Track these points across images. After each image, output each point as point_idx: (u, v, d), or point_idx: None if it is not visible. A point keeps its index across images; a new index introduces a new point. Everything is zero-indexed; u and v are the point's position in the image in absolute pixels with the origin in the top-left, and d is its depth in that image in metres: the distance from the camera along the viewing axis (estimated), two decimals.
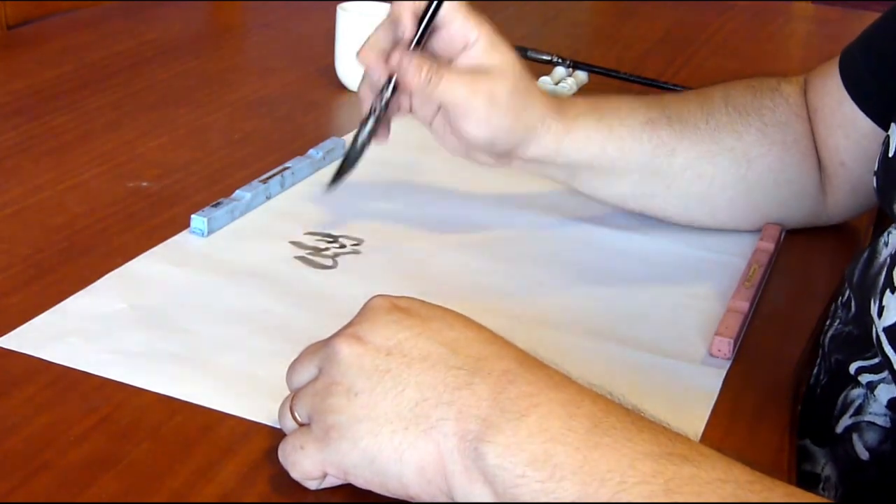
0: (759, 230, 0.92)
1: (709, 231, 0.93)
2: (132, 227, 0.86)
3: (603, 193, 0.92)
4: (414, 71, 0.80)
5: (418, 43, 0.82)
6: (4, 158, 0.97)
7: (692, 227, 0.93)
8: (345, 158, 0.86)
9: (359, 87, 0.86)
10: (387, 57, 0.82)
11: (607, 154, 0.88)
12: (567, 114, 0.87)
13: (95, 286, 0.77)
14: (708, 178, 0.90)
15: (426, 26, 0.82)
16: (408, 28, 0.82)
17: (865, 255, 0.74)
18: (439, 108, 0.84)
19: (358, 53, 0.84)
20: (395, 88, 0.83)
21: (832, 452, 0.72)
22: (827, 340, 0.75)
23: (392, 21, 0.83)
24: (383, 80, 0.83)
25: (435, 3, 0.82)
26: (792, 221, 0.94)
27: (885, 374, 0.69)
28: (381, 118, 0.84)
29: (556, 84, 1.23)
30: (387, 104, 0.83)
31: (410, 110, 0.85)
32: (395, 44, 0.83)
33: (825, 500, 0.50)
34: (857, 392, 0.71)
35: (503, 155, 0.86)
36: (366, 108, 0.84)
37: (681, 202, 0.91)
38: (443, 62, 0.83)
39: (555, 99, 0.88)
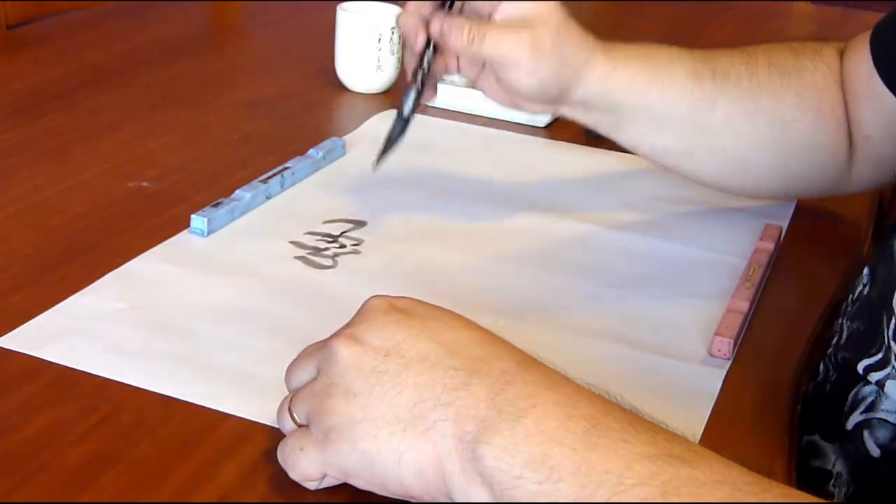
0: (771, 206, 0.94)
1: (709, 231, 0.93)
2: (132, 227, 0.86)
3: (644, 144, 0.92)
4: (456, 33, 0.82)
5: (452, 2, 0.83)
6: (4, 158, 0.97)
7: (720, 190, 0.95)
8: (392, 130, 0.86)
9: (402, 58, 0.87)
10: (426, 22, 0.84)
11: (650, 98, 0.89)
12: (614, 54, 0.88)
13: (95, 286, 0.77)
14: (743, 139, 0.91)
15: None
16: None
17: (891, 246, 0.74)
18: (484, 64, 0.85)
19: (398, 19, 0.85)
20: (436, 50, 0.84)
21: (843, 449, 0.72)
22: (842, 341, 0.75)
23: None
24: (422, 42, 0.84)
25: None
26: (816, 190, 0.95)
27: (889, 369, 0.69)
28: (426, 81, 0.84)
29: None
30: (429, 66, 0.84)
31: (454, 71, 0.87)
32: (433, 7, 0.84)
33: (823, 501, 0.50)
34: (868, 389, 0.71)
35: (552, 101, 0.88)
36: (410, 75, 0.85)
37: (716, 161, 0.92)
38: (482, 18, 0.84)
39: (601, 42, 0.89)
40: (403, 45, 0.87)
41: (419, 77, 0.84)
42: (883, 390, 0.70)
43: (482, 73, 0.86)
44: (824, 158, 0.92)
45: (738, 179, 0.93)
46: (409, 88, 0.85)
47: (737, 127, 0.90)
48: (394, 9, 1.19)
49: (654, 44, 0.92)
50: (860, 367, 0.71)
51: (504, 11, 0.84)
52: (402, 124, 0.85)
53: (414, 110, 0.85)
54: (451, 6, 0.84)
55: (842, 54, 0.92)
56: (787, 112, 0.90)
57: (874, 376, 0.70)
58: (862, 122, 0.89)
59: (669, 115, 0.89)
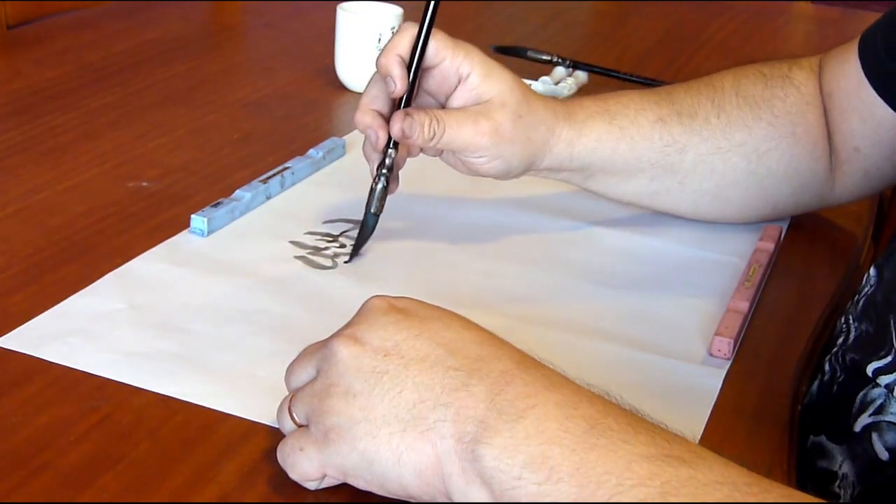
0: (762, 223, 0.93)
1: (709, 231, 0.93)
2: (132, 227, 0.86)
3: (616, 192, 0.92)
4: (417, 130, 0.80)
5: (410, 95, 0.82)
6: (4, 158, 0.97)
7: (703, 221, 0.93)
8: (362, 227, 0.84)
9: (362, 147, 0.85)
10: (381, 115, 0.82)
11: (619, 155, 0.88)
12: (576, 117, 0.87)
13: (95, 286, 0.77)
14: (719, 173, 0.90)
15: (415, 79, 0.81)
16: (398, 81, 0.81)
17: None
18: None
19: (355, 118, 0.83)
20: (396, 146, 0.82)
21: (850, 450, 0.72)
22: (849, 342, 0.75)
23: (382, 76, 0.82)
24: (383, 141, 0.82)
25: (419, 51, 0.81)
26: (800, 208, 0.95)
27: None
28: (389, 176, 0.83)
29: (556, 84, 1.23)
30: (392, 162, 0.83)
31: (415, 155, 0.85)
32: (388, 98, 0.82)
33: (823, 502, 0.50)
34: (877, 392, 0.70)
35: (519, 174, 0.87)
36: (372, 169, 0.84)
37: (692, 198, 0.91)
38: (439, 105, 0.83)
39: (561, 103, 0.88)
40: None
41: (383, 173, 0.83)
42: (892, 394, 0.69)
43: (445, 153, 0.85)
44: (804, 181, 0.91)
45: (718, 211, 0.93)
46: (376, 184, 0.83)
47: (711, 164, 0.90)
48: (394, 9, 1.19)
49: (615, 94, 0.91)
50: (869, 369, 0.70)
51: (462, 94, 0.82)
52: (373, 220, 0.84)
53: (382, 207, 0.84)
54: (408, 101, 0.82)
55: (820, 69, 0.91)
56: (760, 143, 0.90)
57: (884, 379, 0.70)
58: (850, 134, 0.89)
59: (640, 165, 0.89)
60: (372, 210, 0.84)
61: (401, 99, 0.82)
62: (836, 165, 0.91)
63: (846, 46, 0.90)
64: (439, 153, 0.85)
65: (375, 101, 0.83)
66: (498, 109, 0.82)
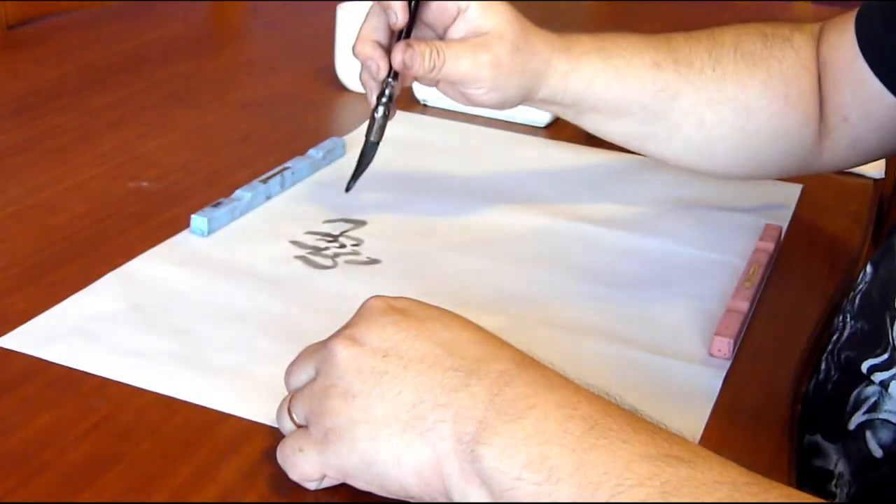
0: (756, 178, 0.95)
1: (709, 231, 0.93)
2: (132, 227, 0.86)
3: (606, 131, 0.93)
4: (418, 62, 0.82)
5: (410, 27, 0.83)
6: (4, 158, 0.97)
7: (690, 171, 0.95)
8: (361, 154, 0.87)
9: (360, 76, 0.87)
10: (381, 46, 0.84)
11: (611, 93, 0.89)
12: (572, 51, 0.88)
13: (95, 286, 0.77)
14: (708, 125, 0.90)
15: (415, 11, 0.83)
16: (400, 13, 0.83)
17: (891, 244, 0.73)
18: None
19: (353, 48, 0.85)
20: (396, 76, 0.84)
21: (845, 449, 0.72)
22: (843, 339, 0.75)
23: (383, 8, 0.84)
24: (384, 72, 0.84)
25: None
26: (786, 171, 0.95)
27: (895, 370, 0.69)
28: (390, 106, 0.85)
29: None
30: (392, 94, 0.84)
31: (410, 84, 0.87)
32: (387, 29, 0.84)
33: (823, 501, 0.50)
34: (871, 389, 0.70)
35: (514, 105, 0.88)
36: (372, 98, 0.86)
37: (680, 146, 0.92)
38: (438, 37, 0.85)
39: (559, 37, 0.89)
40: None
41: (384, 102, 0.85)
42: (887, 391, 0.69)
43: (442, 84, 0.86)
44: (791, 144, 0.91)
45: (704, 162, 0.93)
46: (375, 113, 0.85)
47: (700, 115, 0.90)
48: None
49: (614, 34, 0.91)
50: (864, 366, 0.71)
51: (461, 26, 0.84)
52: (373, 148, 0.86)
53: (382, 135, 0.86)
54: (408, 33, 0.83)
55: (819, 37, 0.92)
56: (752, 101, 0.90)
57: (878, 376, 0.70)
58: (840, 104, 0.89)
59: (630, 107, 0.89)
60: (373, 138, 0.85)
61: (401, 30, 0.83)
62: (825, 133, 0.91)
63: (845, 17, 0.90)
64: (436, 83, 0.86)
65: (375, 32, 0.85)
66: (496, 42, 0.84)
